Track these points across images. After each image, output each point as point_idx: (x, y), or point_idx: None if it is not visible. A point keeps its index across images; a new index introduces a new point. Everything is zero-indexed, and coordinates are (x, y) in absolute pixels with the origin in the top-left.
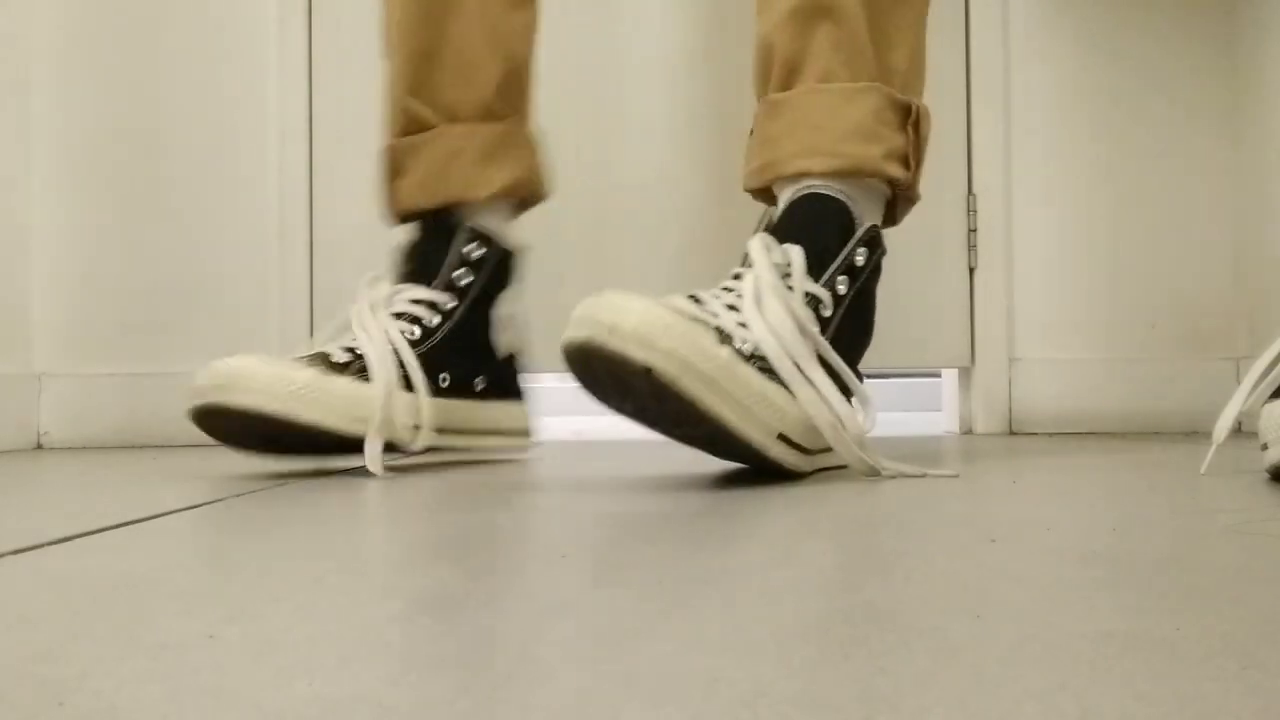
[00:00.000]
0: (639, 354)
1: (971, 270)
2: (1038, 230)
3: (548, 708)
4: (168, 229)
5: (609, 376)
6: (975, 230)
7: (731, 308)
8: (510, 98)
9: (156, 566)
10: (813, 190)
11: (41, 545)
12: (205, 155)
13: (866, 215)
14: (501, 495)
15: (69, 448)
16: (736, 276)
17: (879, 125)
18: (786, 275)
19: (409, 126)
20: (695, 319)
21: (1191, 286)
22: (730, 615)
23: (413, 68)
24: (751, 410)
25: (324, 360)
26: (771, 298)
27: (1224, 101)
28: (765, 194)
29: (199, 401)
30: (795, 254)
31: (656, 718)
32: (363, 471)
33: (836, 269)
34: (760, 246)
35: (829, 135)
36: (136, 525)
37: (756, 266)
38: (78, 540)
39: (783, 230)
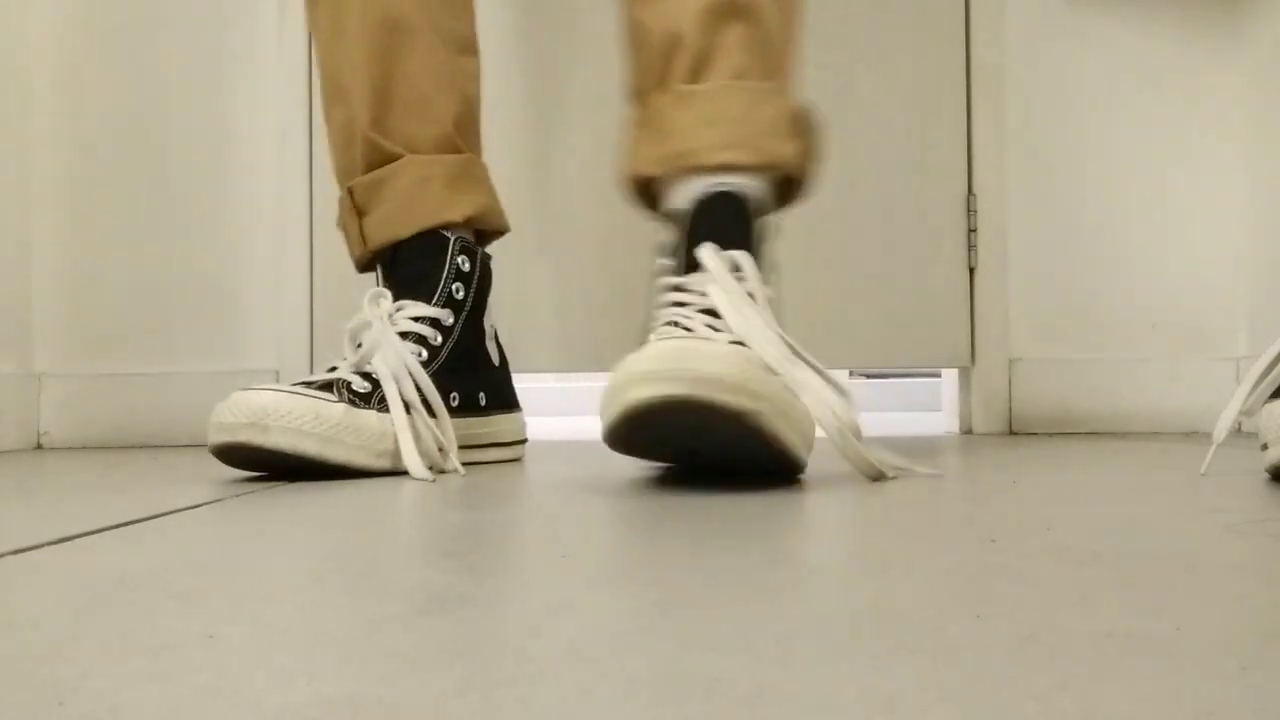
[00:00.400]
0: (736, 401)
1: (971, 270)
2: (1038, 230)
3: (548, 707)
4: (168, 229)
5: (687, 426)
6: (975, 230)
7: (711, 327)
8: (465, 134)
9: (156, 566)
10: (727, 188)
11: (41, 545)
12: (205, 156)
13: (772, 211)
14: (501, 495)
15: (69, 448)
16: (678, 288)
17: (791, 125)
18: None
19: (374, 160)
20: (752, 358)
21: (1191, 286)
22: (730, 615)
23: (372, 104)
24: (803, 430)
25: (348, 390)
26: (749, 310)
27: (1225, 101)
28: (643, 188)
29: (227, 438)
30: (745, 261)
31: (656, 718)
32: (360, 473)
33: (768, 267)
34: (713, 255)
35: (751, 130)
36: (136, 525)
37: (719, 279)
38: (78, 540)
39: (708, 228)
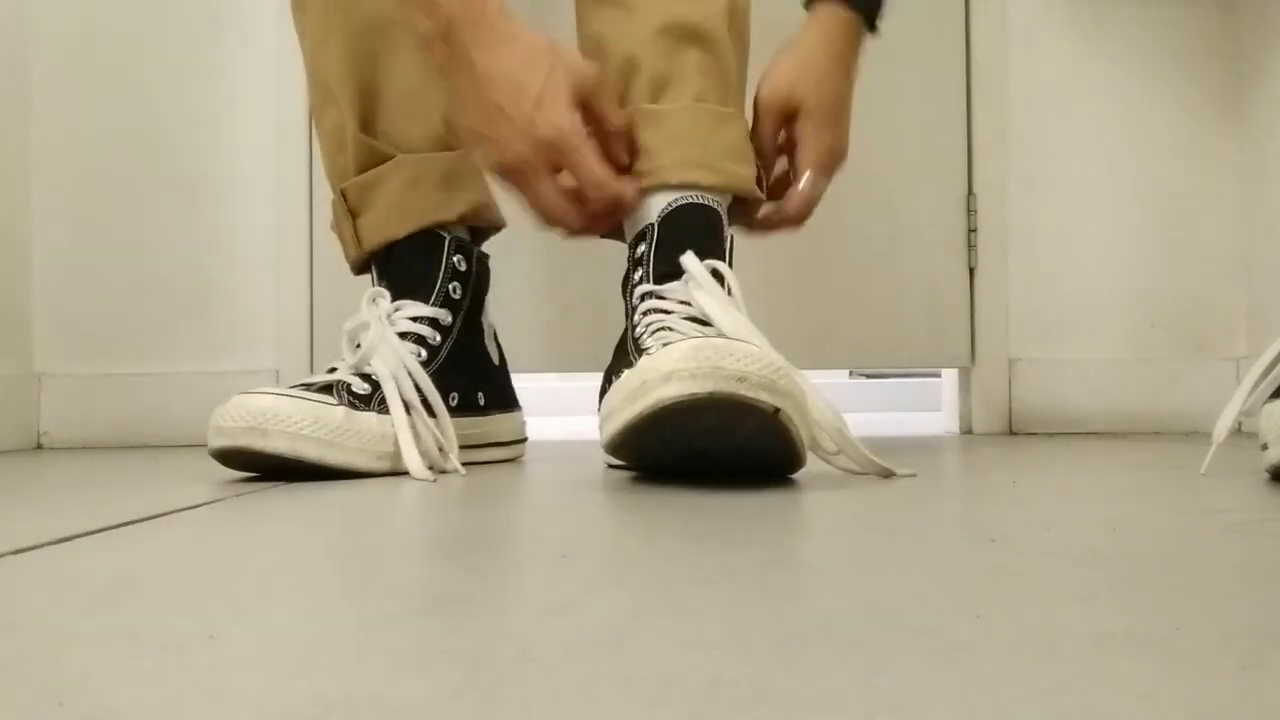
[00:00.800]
0: (768, 399)
1: (971, 270)
2: (1037, 230)
3: (548, 707)
4: (167, 229)
5: (708, 425)
6: (975, 230)
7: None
8: None
9: (156, 566)
10: (695, 200)
11: (41, 545)
12: (205, 155)
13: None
14: (501, 495)
15: (69, 448)
16: (656, 296)
17: (746, 150)
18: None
19: (365, 162)
20: (772, 357)
21: (1191, 286)
22: (730, 615)
23: (360, 106)
24: (809, 428)
25: (348, 392)
26: (739, 314)
27: (1225, 101)
28: None
29: (227, 443)
30: (725, 270)
31: (656, 718)
32: (360, 474)
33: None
34: (697, 263)
35: (711, 151)
36: (136, 525)
37: (706, 285)
38: (78, 540)
39: (683, 238)
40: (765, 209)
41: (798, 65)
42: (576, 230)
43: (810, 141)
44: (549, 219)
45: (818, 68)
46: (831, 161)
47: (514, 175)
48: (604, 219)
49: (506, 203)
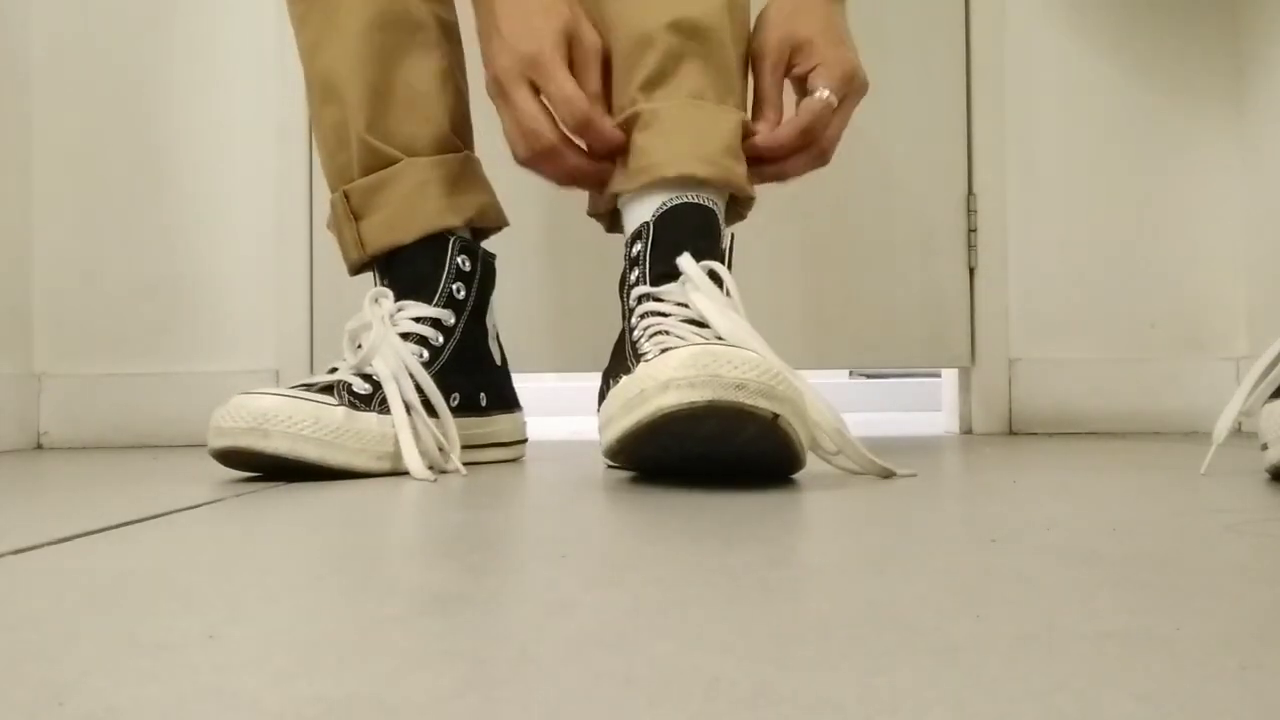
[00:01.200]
0: (766, 405)
1: (971, 270)
2: (1037, 230)
3: (548, 707)
4: (167, 229)
5: (708, 431)
6: (975, 230)
7: (699, 336)
8: (461, 130)
9: (156, 566)
10: (691, 200)
11: (41, 545)
12: (205, 155)
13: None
14: (501, 495)
15: (69, 448)
16: (654, 298)
17: (740, 146)
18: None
19: (370, 164)
20: (771, 362)
21: (1191, 286)
22: (730, 615)
23: (369, 106)
24: (809, 430)
25: (348, 392)
26: (737, 316)
27: (1225, 101)
28: (608, 203)
29: (228, 443)
30: (722, 271)
31: (656, 718)
32: (360, 474)
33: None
34: (694, 264)
35: (709, 146)
36: (136, 525)
37: (703, 287)
38: (78, 540)
39: (679, 239)
40: (766, 137)
41: (790, 3)
42: (549, 144)
43: (823, 64)
44: (523, 133)
45: (811, 2)
46: (850, 81)
47: (499, 89)
48: (573, 153)
49: (508, 205)
